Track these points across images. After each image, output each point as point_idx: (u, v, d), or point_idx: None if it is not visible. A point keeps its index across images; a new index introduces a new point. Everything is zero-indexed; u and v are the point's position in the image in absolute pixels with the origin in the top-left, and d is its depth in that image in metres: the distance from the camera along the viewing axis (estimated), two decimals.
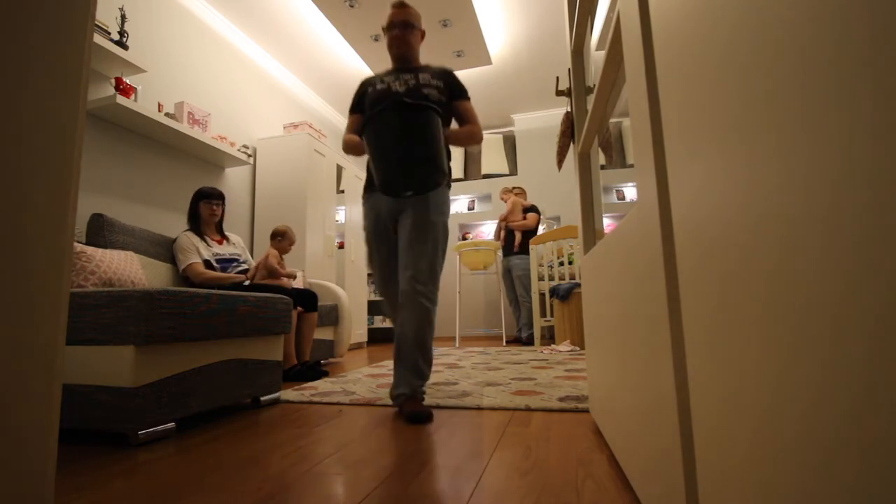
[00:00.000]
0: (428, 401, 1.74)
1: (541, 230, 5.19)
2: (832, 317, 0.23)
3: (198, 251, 2.49)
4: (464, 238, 5.79)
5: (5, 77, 0.49)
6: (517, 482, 0.94)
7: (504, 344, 4.47)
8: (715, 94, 0.37)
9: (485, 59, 4.25)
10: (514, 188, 4.85)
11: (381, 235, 1.76)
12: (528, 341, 4.44)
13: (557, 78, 1.48)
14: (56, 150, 0.53)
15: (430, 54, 4.12)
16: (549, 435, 1.28)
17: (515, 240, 4.55)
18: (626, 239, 0.74)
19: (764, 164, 0.30)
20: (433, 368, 2.70)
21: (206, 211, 2.60)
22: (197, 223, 2.60)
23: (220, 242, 2.66)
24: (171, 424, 1.40)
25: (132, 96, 2.57)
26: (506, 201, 4.77)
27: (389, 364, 2.97)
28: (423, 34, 1.96)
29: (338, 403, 1.79)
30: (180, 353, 1.43)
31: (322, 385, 2.19)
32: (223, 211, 2.68)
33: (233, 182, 3.68)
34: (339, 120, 5.64)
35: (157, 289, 1.34)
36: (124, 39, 2.56)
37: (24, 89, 0.50)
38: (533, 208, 4.63)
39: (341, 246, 4.51)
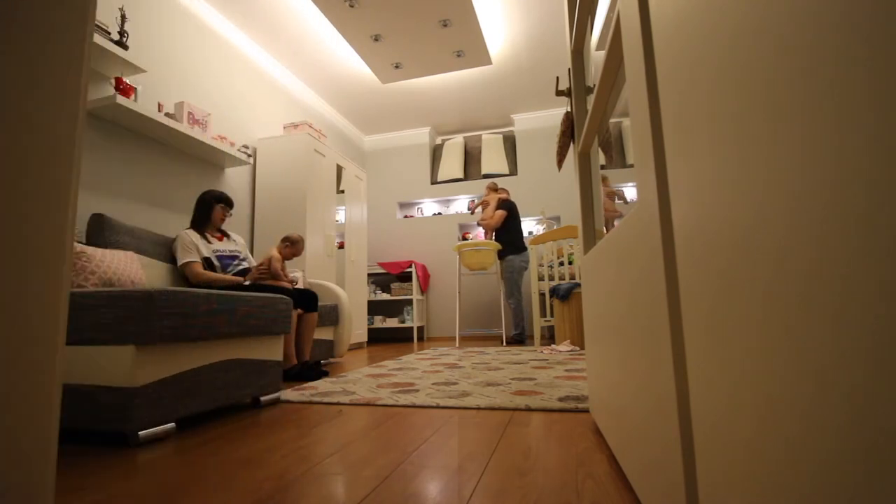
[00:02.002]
0: (428, 401, 1.74)
1: (540, 230, 5.20)
2: (833, 317, 0.23)
3: (197, 249, 2.52)
4: (463, 238, 5.79)
5: (5, 77, 0.49)
6: (517, 482, 0.94)
7: (504, 344, 4.47)
8: (715, 93, 0.37)
9: (485, 59, 4.25)
10: (499, 189, 4.84)
11: None
12: (511, 341, 4.49)
13: (557, 78, 1.48)
14: (56, 150, 0.53)
15: (430, 54, 4.12)
16: (549, 435, 1.28)
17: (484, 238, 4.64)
18: (626, 239, 0.74)
19: (764, 164, 0.30)
20: (432, 369, 2.70)
21: (219, 214, 2.68)
22: (203, 222, 2.64)
23: (220, 239, 2.70)
24: (171, 424, 1.40)
25: (132, 96, 2.57)
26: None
27: (390, 364, 2.97)
28: None
29: (338, 403, 1.79)
30: (180, 353, 1.43)
31: (322, 385, 2.19)
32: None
33: (233, 182, 3.68)
34: (339, 120, 5.64)
35: (157, 289, 1.34)
36: (124, 39, 2.56)
37: (23, 89, 0.50)
38: (503, 205, 4.60)
39: (341, 246, 4.51)
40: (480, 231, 5.83)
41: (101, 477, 1.04)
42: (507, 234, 4.53)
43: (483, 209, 4.76)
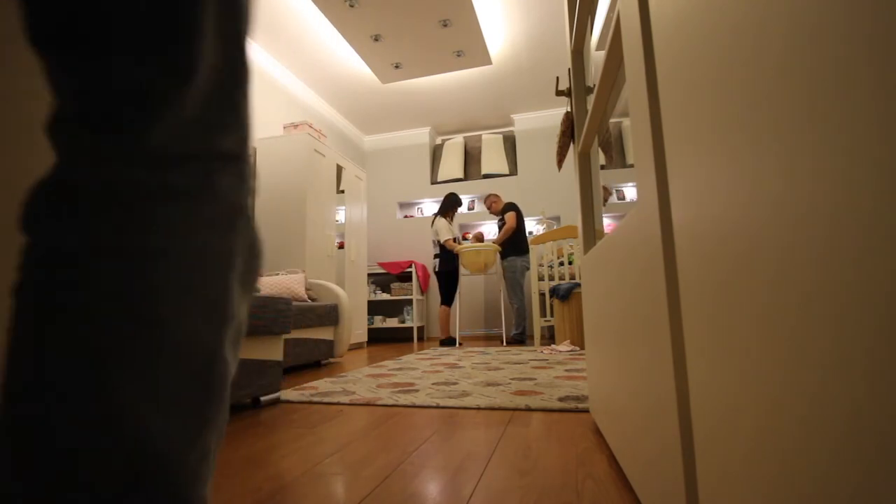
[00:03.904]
0: (428, 400, 1.74)
1: (540, 230, 5.20)
2: (834, 317, 0.23)
3: (450, 230, 4.55)
4: (464, 238, 5.80)
5: (5, 77, 0.49)
6: (517, 482, 0.94)
7: (504, 344, 4.47)
8: (715, 93, 0.37)
9: (485, 59, 4.25)
10: (492, 195, 4.88)
11: None
12: (511, 340, 4.52)
13: (557, 78, 1.48)
14: None
15: (430, 54, 4.12)
16: (549, 435, 1.28)
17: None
18: (626, 239, 0.74)
19: (765, 164, 0.30)
20: (432, 369, 2.69)
21: (455, 208, 4.70)
22: (445, 214, 4.60)
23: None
24: None
25: None
26: (495, 209, 4.78)
27: (390, 364, 2.97)
28: None
29: (338, 403, 1.79)
30: None
31: (322, 385, 2.19)
32: None
33: None
34: (339, 120, 5.64)
35: None
36: None
37: (24, 90, 0.50)
38: (510, 206, 4.65)
39: (341, 246, 4.51)
40: (480, 231, 5.84)
41: None
42: (511, 236, 4.54)
43: (497, 216, 4.82)
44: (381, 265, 5.55)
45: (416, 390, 1.97)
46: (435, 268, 4.64)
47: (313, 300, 3.31)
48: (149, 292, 0.30)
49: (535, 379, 2.17)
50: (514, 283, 4.49)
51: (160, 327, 0.30)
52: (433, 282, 5.75)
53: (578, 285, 3.78)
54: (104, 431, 0.28)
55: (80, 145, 0.31)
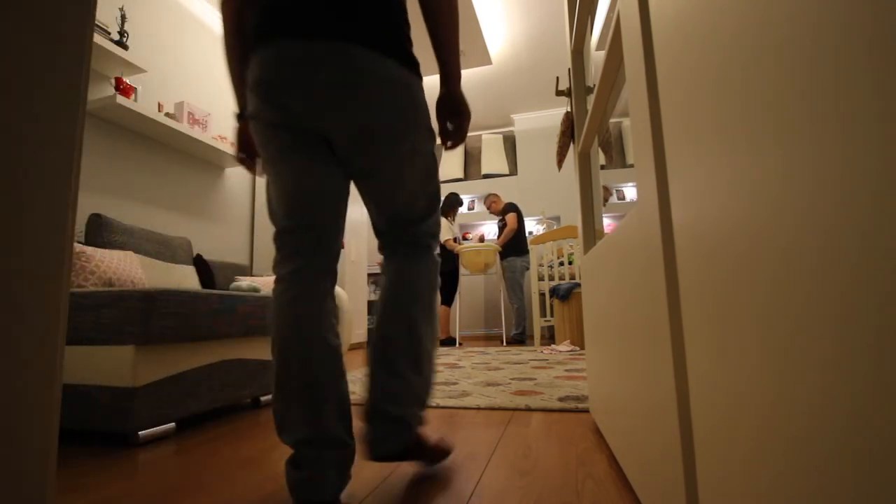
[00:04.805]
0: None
1: (540, 230, 5.20)
2: (834, 317, 0.23)
3: (450, 230, 4.50)
4: (464, 238, 5.80)
5: (5, 77, 0.49)
6: (517, 482, 0.94)
7: (504, 344, 4.47)
8: (715, 93, 0.37)
9: (485, 59, 4.26)
10: (492, 195, 4.89)
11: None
12: (511, 340, 4.53)
13: (557, 78, 1.48)
14: (56, 150, 0.53)
15: (430, 54, 4.12)
16: (549, 435, 1.28)
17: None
18: (626, 239, 0.74)
19: (764, 164, 0.30)
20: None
21: (456, 209, 4.64)
22: (445, 214, 4.52)
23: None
24: (171, 424, 1.39)
25: (132, 96, 2.57)
26: (495, 209, 4.79)
27: None
28: None
29: None
30: (180, 353, 1.43)
31: None
32: None
33: (233, 182, 3.68)
34: None
35: (157, 289, 1.34)
36: (124, 39, 2.56)
37: (23, 89, 0.50)
38: (511, 207, 4.66)
39: (341, 246, 4.51)
40: (480, 231, 5.83)
41: (100, 477, 1.04)
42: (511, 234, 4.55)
43: (497, 216, 4.84)
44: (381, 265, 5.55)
45: None
46: None
47: None
48: (430, 289, 1.09)
49: (535, 379, 2.17)
50: (514, 284, 4.49)
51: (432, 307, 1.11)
52: None
53: (578, 285, 3.78)
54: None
55: (397, 242, 1.12)
